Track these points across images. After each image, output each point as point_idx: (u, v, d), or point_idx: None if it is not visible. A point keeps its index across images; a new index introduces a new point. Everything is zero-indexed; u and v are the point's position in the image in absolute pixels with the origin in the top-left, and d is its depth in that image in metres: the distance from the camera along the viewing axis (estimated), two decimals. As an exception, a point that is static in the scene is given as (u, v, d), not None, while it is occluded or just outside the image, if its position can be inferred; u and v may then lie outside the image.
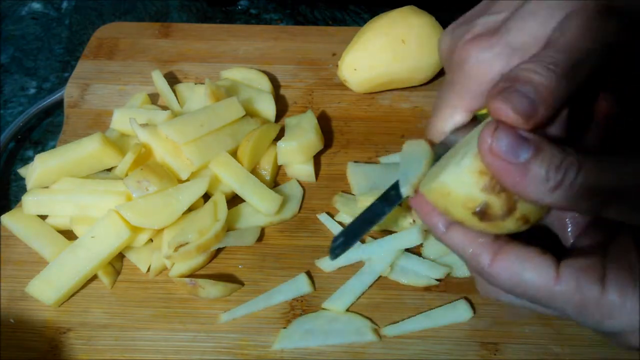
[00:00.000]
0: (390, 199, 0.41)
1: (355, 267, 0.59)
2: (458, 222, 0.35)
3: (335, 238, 0.44)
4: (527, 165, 0.30)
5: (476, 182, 0.33)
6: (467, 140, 0.38)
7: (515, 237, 0.35)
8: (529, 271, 0.33)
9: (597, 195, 0.30)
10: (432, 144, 0.41)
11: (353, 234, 0.44)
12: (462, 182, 0.33)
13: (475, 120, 0.40)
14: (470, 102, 0.38)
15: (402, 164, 0.42)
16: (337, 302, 0.57)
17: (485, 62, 0.36)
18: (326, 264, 0.60)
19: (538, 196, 0.31)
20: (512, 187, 0.31)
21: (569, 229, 0.37)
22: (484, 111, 0.39)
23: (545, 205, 0.32)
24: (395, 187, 0.41)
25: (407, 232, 0.58)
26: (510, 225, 0.34)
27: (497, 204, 0.33)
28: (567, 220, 0.38)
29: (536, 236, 0.36)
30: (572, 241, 0.37)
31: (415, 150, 0.42)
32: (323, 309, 0.57)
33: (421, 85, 0.74)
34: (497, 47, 0.36)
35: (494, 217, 0.33)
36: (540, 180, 0.30)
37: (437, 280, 0.58)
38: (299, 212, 0.64)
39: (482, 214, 0.33)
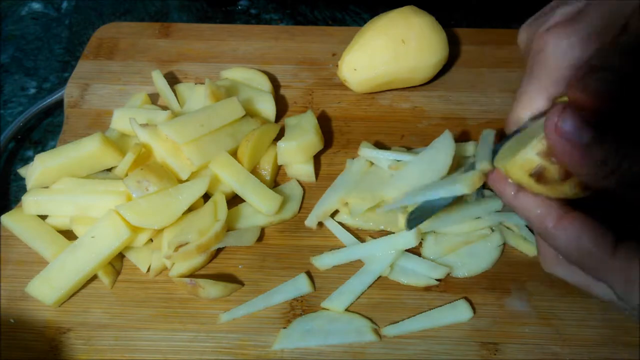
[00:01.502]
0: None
1: (354, 267, 0.59)
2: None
3: (412, 212, 0.53)
4: (587, 148, 0.32)
5: (534, 147, 0.35)
6: (536, 125, 0.39)
7: (584, 210, 0.36)
8: (588, 239, 0.35)
9: None
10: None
11: (430, 207, 0.51)
12: (525, 153, 0.36)
13: None
14: (549, 88, 0.40)
15: (478, 148, 0.48)
16: (336, 302, 0.57)
17: (563, 49, 0.37)
18: (322, 262, 0.60)
19: (593, 178, 0.32)
20: (571, 166, 0.33)
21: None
22: (564, 98, 0.39)
23: (599, 190, 0.33)
24: (472, 166, 0.46)
25: (404, 234, 0.58)
26: (567, 190, 0.36)
27: (553, 167, 0.35)
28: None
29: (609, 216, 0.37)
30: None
31: (487, 137, 0.48)
32: (323, 309, 0.57)
33: (421, 85, 0.74)
34: (574, 34, 0.37)
35: (551, 180, 0.36)
36: (597, 163, 0.32)
37: (437, 280, 0.58)
38: (299, 212, 0.64)
39: (539, 176, 0.36)
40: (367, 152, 0.65)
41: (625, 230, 0.37)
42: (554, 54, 0.38)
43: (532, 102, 0.41)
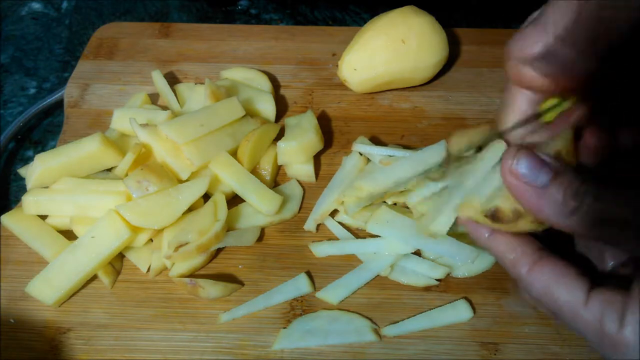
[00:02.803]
0: None
1: (354, 266, 0.59)
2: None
3: None
4: (545, 189, 0.31)
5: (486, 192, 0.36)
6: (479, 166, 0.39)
7: (558, 254, 0.36)
8: (562, 288, 0.34)
9: (612, 224, 0.31)
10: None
11: None
12: (479, 198, 0.37)
13: (538, 117, 0.40)
14: (523, 95, 0.39)
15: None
16: (331, 294, 0.57)
17: (527, 48, 0.37)
18: (320, 249, 0.60)
19: (554, 219, 0.32)
20: (530, 208, 0.32)
21: (606, 256, 0.38)
22: (548, 103, 0.39)
23: (560, 228, 0.33)
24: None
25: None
26: (524, 226, 0.36)
27: (506, 207, 0.35)
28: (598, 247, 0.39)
29: (578, 256, 0.38)
30: (609, 265, 0.38)
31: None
32: (323, 309, 0.57)
33: (421, 85, 0.74)
34: (534, 33, 0.36)
35: (506, 219, 0.36)
36: (557, 204, 0.31)
37: (437, 280, 0.58)
38: (299, 212, 0.64)
39: (493, 217, 0.36)
40: (360, 147, 0.65)
41: (602, 273, 0.37)
42: (519, 52, 0.38)
43: (513, 113, 0.40)
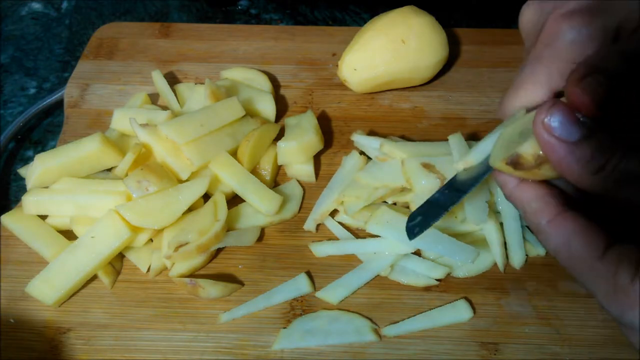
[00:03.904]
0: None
1: (354, 266, 0.59)
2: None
3: (412, 216, 0.46)
4: (575, 145, 0.32)
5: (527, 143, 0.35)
6: (527, 119, 0.38)
7: (582, 210, 0.35)
8: (580, 241, 0.34)
9: (636, 184, 0.31)
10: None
11: (434, 211, 0.46)
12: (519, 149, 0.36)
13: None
14: (556, 80, 0.38)
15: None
16: (331, 293, 0.57)
17: (581, 40, 0.36)
18: (320, 249, 0.60)
19: (579, 176, 0.32)
20: (557, 163, 0.32)
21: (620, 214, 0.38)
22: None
23: (585, 189, 0.33)
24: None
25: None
26: (546, 172, 0.35)
27: (528, 153, 0.35)
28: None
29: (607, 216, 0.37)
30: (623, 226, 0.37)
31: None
32: (323, 309, 0.57)
33: (421, 85, 0.74)
34: (592, 28, 0.35)
35: (527, 166, 0.35)
36: (584, 161, 0.31)
37: (437, 280, 0.58)
38: (299, 212, 0.64)
39: (514, 163, 0.36)
40: (358, 137, 0.66)
41: (623, 232, 0.36)
42: (570, 43, 0.36)
43: (535, 92, 0.39)
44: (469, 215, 0.57)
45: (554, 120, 0.32)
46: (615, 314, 0.33)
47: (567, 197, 0.37)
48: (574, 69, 0.34)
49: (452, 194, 0.47)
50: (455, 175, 0.49)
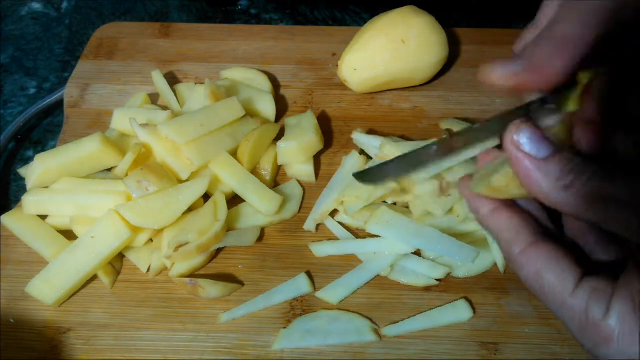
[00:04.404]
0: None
1: (354, 266, 0.59)
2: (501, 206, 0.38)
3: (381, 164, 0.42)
4: (544, 161, 0.32)
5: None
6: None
7: (556, 241, 0.36)
8: (552, 273, 0.34)
9: (603, 203, 0.31)
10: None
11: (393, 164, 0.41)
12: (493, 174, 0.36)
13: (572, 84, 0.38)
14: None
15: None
16: (331, 293, 0.57)
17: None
18: (320, 249, 0.60)
19: (548, 192, 0.32)
20: (525, 178, 0.33)
21: (593, 244, 0.38)
22: (586, 75, 0.37)
23: (554, 207, 0.33)
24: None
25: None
26: (515, 191, 0.36)
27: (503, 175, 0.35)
28: (590, 235, 0.38)
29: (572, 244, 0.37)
30: (597, 256, 0.38)
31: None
32: (323, 309, 0.57)
33: (421, 85, 0.74)
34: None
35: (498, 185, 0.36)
36: (553, 177, 0.32)
37: (437, 280, 0.58)
38: (299, 212, 0.64)
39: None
40: (359, 137, 0.66)
41: (599, 263, 0.37)
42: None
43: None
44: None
45: (523, 137, 0.33)
46: (588, 348, 0.33)
47: (542, 227, 0.37)
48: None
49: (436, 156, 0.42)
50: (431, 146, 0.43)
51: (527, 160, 0.33)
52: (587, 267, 0.34)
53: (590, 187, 0.31)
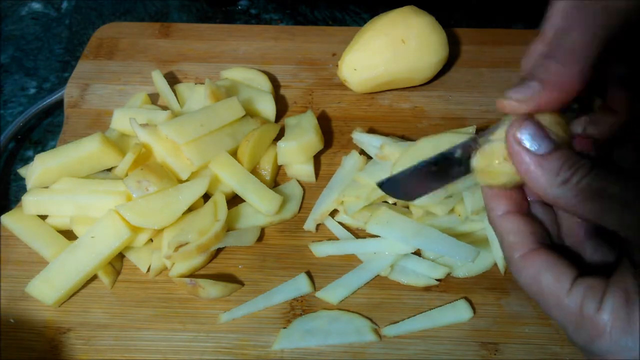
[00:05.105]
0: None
1: (354, 266, 0.59)
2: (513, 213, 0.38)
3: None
4: (543, 157, 0.33)
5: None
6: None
7: (555, 250, 0.37)
8: (549, 276, 0.35)
9: (600, 200, 0.32)
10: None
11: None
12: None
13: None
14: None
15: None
16: (331, 293, 0.57)
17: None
18: (320, 249, 0.60)
19: (545, 187, 0.33)
20: (525, 173, 0.34)
21: (585, 246, 0.39)
22: (544, 118, 0.38)
23: (550, 202, 0.34)
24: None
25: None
26: (510, 179, 0.36)
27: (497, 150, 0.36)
28: (583, 236, 0.39)
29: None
30: (589, 257, 0.39)
31: None
32: (323, 309, 0.57)
33: (421, 85, 0.74)
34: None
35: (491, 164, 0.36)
36: (551, 173, 0.33)
37: (437, 280, 0.58)
38: (299, 212, 0.64)
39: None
40: (359, 136, 0.66)
41: (594, 264, 0.38)
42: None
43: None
44: (468, 203, 0.57)
45: (525, 133, 0.34)
46: (582, 345, 0.34)
47: (549, 238, 0.38)
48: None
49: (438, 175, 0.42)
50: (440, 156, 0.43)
51: (527, 156, 0.34)
52: (582, 268, 0.35)
53: (588, 183, 0.32)
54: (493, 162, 0.36)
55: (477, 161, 0.38)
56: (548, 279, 0.35)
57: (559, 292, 0.34)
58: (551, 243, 0.38)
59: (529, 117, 0.34)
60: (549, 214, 0.39)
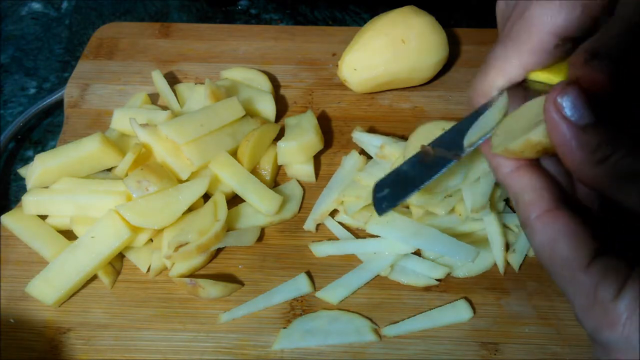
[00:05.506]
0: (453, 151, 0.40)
1: (354, 266, 0.59)
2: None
3: (379, 186, 0.41)
4: (582, 130, 0.30)
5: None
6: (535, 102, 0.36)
7: (575, 210, 0.34)
8: (567, 244, 0.32)
9: (636, 183, 0.29)
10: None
11: (405, 186, 0.40)
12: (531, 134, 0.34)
13: (522, 86, 0.38)
14: (528, 56, 0.37)
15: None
16: (331, 293, 0.57)
17: (548, 13, 0.35)
18: (320, 249, 0.60)
19: (580, 164, 0.30)
20: (560, 145, 0.31)
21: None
22: (537, 75, 0.37)
23: (583, 179, 0.31)
24: (457, 142, 0.40)
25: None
26: (529, 155, 0.34)
27: (537, 139, 0.33)
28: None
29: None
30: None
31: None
32: (323, 309, 0.57)
33: (421, 85, 0.74)
34: (560, 3, 0.34)
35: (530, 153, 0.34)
36: (589, 149, 0.30)
37: (437, 280, 0.58)
38: (299, 212, 0.64)
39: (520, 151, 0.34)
40: (359, 135, 0.66)
41: (616, 242, 0.34)
42: (538, 17, 0.35)
43: (507, 70, 0.37)
44: (468, 200, 0.56)
45: (566, 100, 0.30)
46: (589, 329, 0.31)
47: (565, 194, 0.35)
48: (576, 54, 0.32)
49: (423, 170, 0.43)
50: (423, 151, 0.45)
51: (565, 125, 0.30)
52: (603, 243, 0.32)
53: (626, 164, 0.29)
54: (518, 130, 0.33)
55: (500, 128, 0.35)
56: (564, 247, 0.32)
57: (574, 265, 0.31)
58: (569, 201, 0.34)
59: (573, 83, 0.31)
60: (561, 166, 0.36)
